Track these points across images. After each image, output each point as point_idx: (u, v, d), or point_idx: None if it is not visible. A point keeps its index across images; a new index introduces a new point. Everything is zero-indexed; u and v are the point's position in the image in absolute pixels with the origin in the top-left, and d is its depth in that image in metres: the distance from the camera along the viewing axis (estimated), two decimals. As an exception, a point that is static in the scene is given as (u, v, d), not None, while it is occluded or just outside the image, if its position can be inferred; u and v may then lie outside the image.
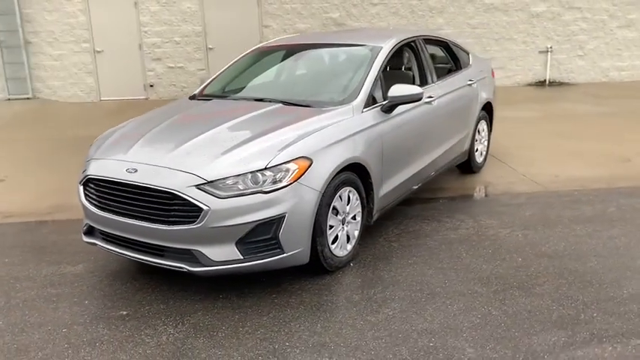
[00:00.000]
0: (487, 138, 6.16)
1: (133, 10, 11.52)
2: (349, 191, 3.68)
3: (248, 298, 3.36)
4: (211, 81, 4.87)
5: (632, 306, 3.17)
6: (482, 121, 5.92)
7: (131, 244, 3.38)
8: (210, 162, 3.23)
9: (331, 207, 3.51)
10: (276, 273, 3.56)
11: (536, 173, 5.91)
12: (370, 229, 4.33)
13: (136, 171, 3.30)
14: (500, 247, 4.03)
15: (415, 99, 4.13)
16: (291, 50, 4.98)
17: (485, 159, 6.16)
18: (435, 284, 3.48)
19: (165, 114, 4.12)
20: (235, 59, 5.15)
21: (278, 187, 3.18)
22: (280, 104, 4.04)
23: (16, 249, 4.22)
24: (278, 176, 3.20)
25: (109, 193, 3.40)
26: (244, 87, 4.65)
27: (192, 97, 4.62)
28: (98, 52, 11.61)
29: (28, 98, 11.64)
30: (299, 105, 3.98)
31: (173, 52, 11.77)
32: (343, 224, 3.69)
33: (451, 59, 5.69)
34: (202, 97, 4.56)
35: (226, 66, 5.08)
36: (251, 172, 3.17)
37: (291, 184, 3.23)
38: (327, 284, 3.51)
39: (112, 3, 11.47)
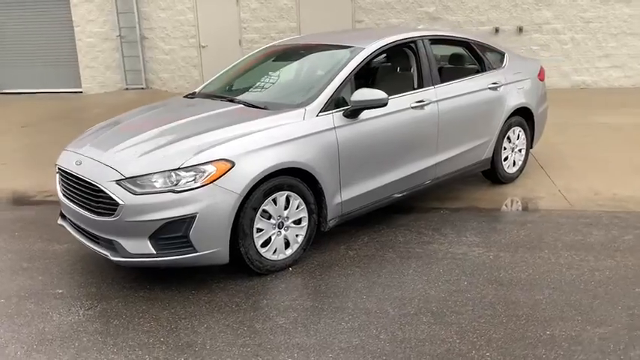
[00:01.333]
0: (525, 147, 5.63)
1: (235, 8, 12.17)
2: (288, 195, 3.66)
3: (169, 291, 3.52)
4: (214, 79, 5.06)
5: (540, 350, 2.79)
6: (517, 128, 5.44)
7: (80, 230, 3.72)
8: (134, 159, 3.44)
9: (260, 210, 3.53)
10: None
11: (576, 189, 5.30)
12: (339, 235, 4.28)
13: (81, 164, 3.62)
14: (456, 268, 3.74)
15: (379, 104, 3.97)
16: (285, 52, 5.02)
17: (521, 170, 5.65)
18: (350, 298, 3.36)
19: (141, 111, 4.41)
20: (238, 60, 5.29)
21: (191, 187, 3.29)
22: (242, 105, 4.12)
23: (31, 225, 4.79)
24: (192, 177, 3.31)
25: (65, 182, 3.77)
26: (231, 87, 4.79)
27: (186, 95, 4.86)
28: (203, 47, 12.45)
29: (142, 88, 12.91)
30: (257, 107, 4.03)
31: (269, 47, 12.22)
32: (280, 228, 3.69)
33: (474, 60, 5.30)
34: (192, 95, 4.78)
35: (229, 66, 5.25)
36: (164, 172, 3.31)
37: (205, 185, 3.31)
38: (250, 287, 3.55)
39: (217, 1, 12.21)
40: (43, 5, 12.99)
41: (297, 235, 3.81)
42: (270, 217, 3.62)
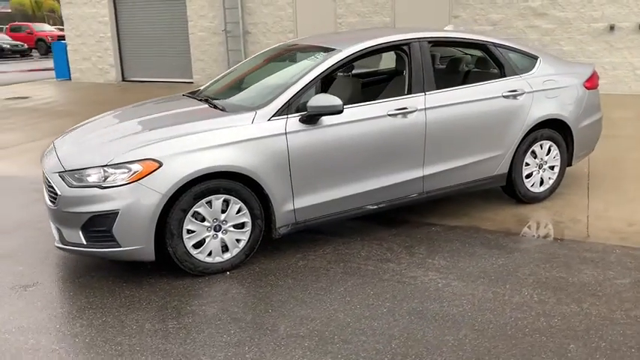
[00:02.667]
0: (560, 164, 4.98)
1: (331, 3, 12.22)
2: (226, 199, 3.65)
3: (103, 279, 3.69)
4: (217, 80, 5.15)
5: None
6: (546, 142, 4.84)
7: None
8: (78, 154, 3.66)
9: (190, 212, 3.56)
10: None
11: (610, 217, 4.60)
12: (304, 243, 4.20)
13: (47, 155, 3.93)
14: (390, 292, 3.46)
15: (332, 111, 3.78)
16: (279, 54, 4.93)
17: (552, 189, 5.02)
18: (254, 311, 3.27)
19: (132, 106, 4.64)
20: (242, 61, 5.31)
21: (115, 184, 3.42)
22: (207, 106, 4.17)
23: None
24: (118, 174, 3.44)
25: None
26: (218, 87, 4.81)
27: (185, 93, 5.01)
28: (300, 41, 12.66)
29: (242, 80, 13.49)
30: (217, 107, 4.05)
31: (363, 43, 12.08)
32: (217, 231, 3.69)
33: (493, 65, 4.79)
34: (188, 94, 4.90)
35: (234, 67, 5.29)
36: (96, 167, 3.48)
37: (130, 183, 3.42)
38: (175, 286, 3.60)
39: (315, -4, 12.35)
40: (163, 1, 14.11)
41: (238, 240, 3.77)
42: (204, 219, 3.63)
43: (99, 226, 3.47)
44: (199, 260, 3.67)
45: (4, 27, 36.22)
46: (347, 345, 2.90)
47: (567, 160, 5.08)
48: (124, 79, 15.07)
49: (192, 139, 3.60)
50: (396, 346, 2.88)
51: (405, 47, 4.36)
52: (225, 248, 3.76)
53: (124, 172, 3.44)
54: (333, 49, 4.23)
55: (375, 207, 4.24)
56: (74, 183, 3.50)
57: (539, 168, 4.91)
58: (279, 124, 3.78)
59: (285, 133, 3.77)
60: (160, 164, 3.47)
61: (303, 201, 3.90)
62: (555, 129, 4.91)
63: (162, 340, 2.99)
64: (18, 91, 14.08)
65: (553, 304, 3.27)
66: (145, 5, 14.39)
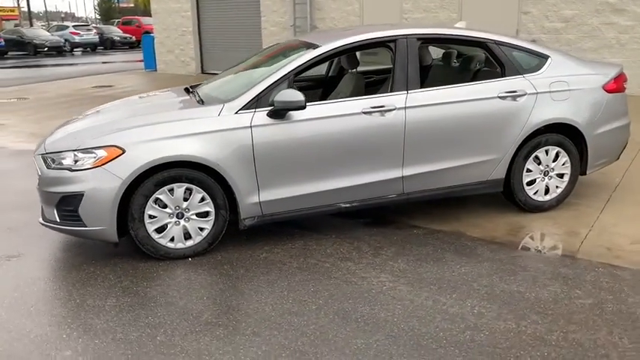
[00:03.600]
0: (570, 173, 4.65)
1: (398, -2, 12.04)
2: (189, 188, 3.79)
3: (83, 258, 3.98)
4: (222, 73, 5.30)
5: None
6: (552, 147, 4.53)
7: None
8: (59, 139, 3.95)
9: (152, 198, 3.75)
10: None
11: (616, 232, 4.25)
12: (276, 236, 4.27)
13: (46, 137, 4.28)
14: (327, 291, 3.43)
15: (295, 106, 3.80)
16: (278, 50, 4.96)
17: (560, 199, 4.70)
18: (191, 298, 3.39)
19: (135, 97, 4.91)
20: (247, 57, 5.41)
21: (82, 168, 3.68)
22: (189, 97, 4.33)
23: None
24: (86, 158, 3.69)
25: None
26: (215, 82, 4.92)
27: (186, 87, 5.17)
28: (365, 36, 12.60)
29: (309, 75, 13.67)
30: (197, 100, 4.20)
31: (428, 39, 11.80)
32: (180, 218, 3.85)
33: (494, 64, 4.54)
34: (189, 87, 5.06)
35: (240, 61, 5.41)
36: (68, 151, 3.75)
37: (95, 167, 3.66)
38: (140, 269, 3.79)
39: (382, -9, 12.24)
40: (239, -3, 14.60)
41: (201, 229, 3.90)
42: (165, 206, 3.79)
43: (68, 205, 3.73)
44: (161, 245, 3.84)
45: (118, 20, 39.12)
46: (255, 337, 2.93)
47: (581, 168, 4.71)
48: (203, 72, 15.79)
49: (158, 129, 3.77)
50: (302, 343, 2.87)
51: (391, 44, 4.26)
52: (188, 235, 3.89)
53: (91, 157, 3.68)
54: (314, 45, 4.22)
55: (348, 205, 4.20)
56: (52, 165, 3.79)
57: (544, 175, 4.60)
58: (246, 118, 3.85)
59: (251, 127, 3.83)
60: (123, 151, 3.66)
61: (269, 194, 3.95)
62: (566, 134, 4.56)
63: (94, 315, 3.19)
64: (106, 80, 15.22)
65: (490, 318, 3.09)
66: (222, 3, 14.96)
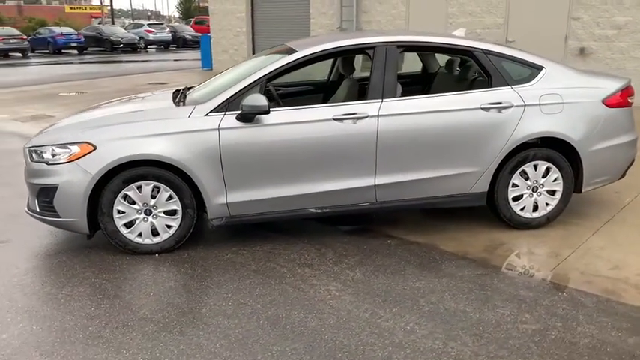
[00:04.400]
0: (562, 190, 4.43)
1: (444, 2, 11.82)
2: (157, 186, 3.93)
3: (58, 248, 4.21)
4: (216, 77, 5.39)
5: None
6: (542, 162, 4.34)
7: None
8: (44, 134, 4.20)
9: (120, 194, 3.91)
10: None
11: (599, 256, 4.01)
12: (251, 237, 4.34)
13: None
14: (272, 295, 3.46)
15: (258, 111, 3.85)
16: (271, 54, 5.00)
17: (551, 217, 4.48)
18: (140, 293, 3.51)
19: (131, 97, 5.12)
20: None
21: (57, 162, 3.90)
22: (172, 99, 4.46)
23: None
24: (62, 154, 3.90)
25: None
26: (207, 84, 5.02)
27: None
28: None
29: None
30: (178, 101, 4.32)
31: (473, 44, 11.50)
32: (148, 215, 4.00)
33: (482, 73, 4.40)
34: (182, 89, 5.20)
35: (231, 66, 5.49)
36: (48, 146, 3.98)
37: (69, 162, 3.87)
38: (107, 261, 3.97)
39: (429, -6, 12.04)
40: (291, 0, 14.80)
41: (169, 226, 4.03)
42: (134, 202, 3.95)
43: (45, 197, 3.96)
44: (129, 239, 4.00)
45: (192, 19, 40.56)
46: (179, 336, 3.01)
47: (576, 186, 4.47)
48: (254, 71, 16.08)
49: (129, 127, 3.93)
50: (220, 345, 2.92)
51: (370, 51, 4.21)
52: (156, 232, 4.03)
53: (66, 152, 3.89)
54: (293, 51, 4.25)
55: (319, 211, 4.19)
56: (35, 158, 4.04)
57: (533, 191, 4.40)
58: (215, 120, 3.94)
59: (219, 129, 3.91)
60: (95, 148, 3.85)
61: (237, 196, 4.02)
62: (559, 150, 4.35)
63: (44, 302, 3.38)
64: (163, 77, 15.86)
65: (420, 336, 3.01)
66: (277, 2, 15.21)
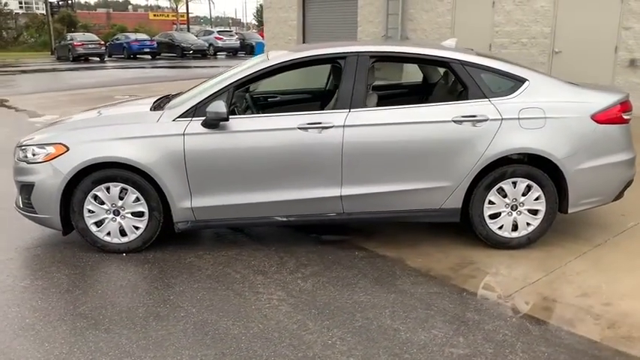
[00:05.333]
0: (545, 209, 4.19)
1: (490, 10, 11.50)
2: (123, 188, 4.08)
3: (37, 243, 4.45)
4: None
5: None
6: (521, 180, 4.13)
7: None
8: (32, 134, 4.45)
9: (90, 194, 4.09)
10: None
11: (571, 281, 3.77)
12: (218, 241, 4.43)
13: None
14: (211, 300, 3.49)
15: (218, 118, 3.91)
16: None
17: (532, 237, 4.25)
18: (93, 292, 3.64)
19: (123, 101, 5.34)
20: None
21: (35, 161, 4.13)
22: (153, 104, 4.61)
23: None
24: (40, 153, 4.13)
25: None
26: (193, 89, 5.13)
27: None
28: (455, 49, 12.18)
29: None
30: (154, 106, 4.46)
31: (518, 54, 11.14)
32: (116, 215, 4.16)
33: (460, 85, 4.25)
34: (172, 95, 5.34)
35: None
36: (28, 146, 4.22)
37: (45, 162, 4.09)
38: (78, 257, 4.14)
39: (475, 3, 11.75)
40: (339, 7, 14.87)
41: (137, 227, 4.17)
42: (103, 202, 4.12)
43: (25, 194, 4.20)
44: (98, 238, 4.17)
45: (261, 27, 41.51)
46: (102, 334, 3.10)
47: (561, 206, 4.22)
48: (304, 78, 16.27)
49: (101, 130, 4.11)
50: (136, 346, 2.98)
51: (341, 61, 4.17)
52: (124, 232, 4.17)
53: (43, 152, 4.11)
54: (265, 59, 4.28)
55: (285, 219, 4.19)
56: (20, 156, 4.29)
57: (512, 209, 4.19)
58: (181, 126, 4.03)
59: (184, 135, 4.01)
60: (68, 149, 4.04)
61: (202, 201, 4.09)
62: (542, 167, 4.13)
63: (0, 293, 3.58)
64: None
65: (337, 351, 2.94)
66: (326, 11, 15.33)
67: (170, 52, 32.32)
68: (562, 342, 3.04)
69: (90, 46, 29.12)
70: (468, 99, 4.12)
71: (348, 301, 3.49)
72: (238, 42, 34.49)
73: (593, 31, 9.87)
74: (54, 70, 24.29)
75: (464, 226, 4.31)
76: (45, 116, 10.48)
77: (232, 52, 34.36)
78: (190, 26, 52.38)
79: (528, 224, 4.21)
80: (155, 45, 31.39)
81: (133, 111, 4.53)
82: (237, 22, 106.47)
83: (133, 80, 17.82)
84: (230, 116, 4.03)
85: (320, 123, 4.01)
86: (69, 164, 4.00)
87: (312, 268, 3.97)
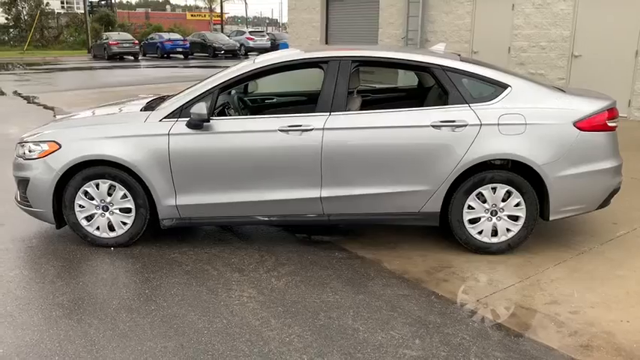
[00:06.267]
0: (525, 216, 4.19)
1: (509, 13, 11.39)
2: (112, 184, 4.26)
3: (34, 236, 4.66)
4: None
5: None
6: (501, 186, 4.13)
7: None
8: (32, 130, 4.68)
9: (81, 190, 4.29)
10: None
11: (545, 290, 3.77)
12: (203, 239, 4.56)
13: None
14: (182, 296, 3.62)
15: (200, 119, 4.05)
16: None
17: (513, 243, 4.24)
18: (72, 283, 3.82)
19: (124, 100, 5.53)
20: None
21: (31, 157, 4.34)
22: (147, 103, 4.78)
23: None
24: (34, 149, 4.34)
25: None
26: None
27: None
28: (474, 52, 12.11)
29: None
30: (146, 106, 4.63)
31: (537, 58, 11.02)
32: (105, 211, 4.34)
33: (441, 90, 4.28)
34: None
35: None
36: (27, 142, 4.44)
37: (39, 158, 4.30)
38: (68, 250, 4.34)
39: (494, 5, 11.65)
40: (361, 9, 14.92)
41: (124, 223, 4.34)
42: (92, 198, 4.30)
43: (22, 188, 4.42)
44: (88, 232, 4.36)
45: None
46: (74, 324, 3.26)
47: (543, 213, 4.21)
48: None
49: (92, 129, 4.29)
50: (103, 337, 3.12)
51: (323, 65, 4.25)
52: (112, 227, 4.35)
53: (39, 149, 4.32)
54: (252, 61, 4.40)
55: (266, 219, 4.30)
56: (19, 152, 4.52)
57: (492, 215, 4.20)
58: (166, 126, 4.18)
59: (168, 134, 4.16)
60: (60, 146, 4.24)
61: (186, 199, 4.24)
62: (523, 173, 4.13)
63: (-11, 281, 3.79)
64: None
65: (292, 349, 3.03)
66: (349, 12, 15.39)
67: (202, 51, 32.86)
68: (518, 348, 3.06)
69: (124, 45, 29.85)
70: (448, 104, 4.14)
71: (315, 300, 3.57)
72: (269, 42, 34.81)
73: (614, 35, 9.68)
74: (89, 68, 25.02)
75: (445, 231, 4.33)
76: (71, 114, 10.85)
77: (263, 52, 34.66)
78: (225, 26, 53.09)
79: (508, 230, 4.20)
80: (187, 45, 31.97)
81: (124, 111, 4.71)
82: (273, 23, 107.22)
83: (162, 79, 18.22)
84: (215, 117, 4.16)
85: (300, 125, 4.10)
86: (61, 161, 4.19)
87: (289, 267, 4.06)
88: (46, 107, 12.06)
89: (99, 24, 39.13)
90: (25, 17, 39.15)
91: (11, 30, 40.09)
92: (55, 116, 10.39)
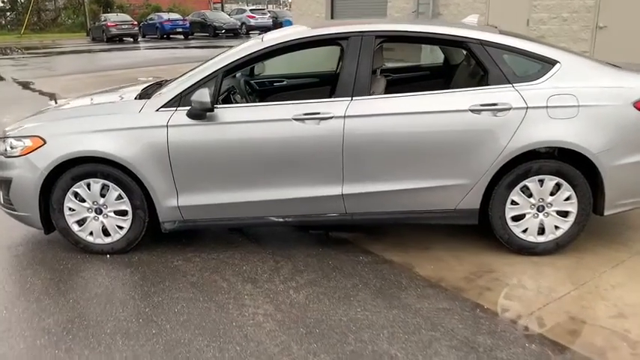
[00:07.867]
0: (577, 211, 3.66)
1: (528, -18, 10.68)
2: (105, 184, 3.75)
3: (21, 241, 4.19)
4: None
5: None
6: (549, 177, 3.60)
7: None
8: (12, 124, 4.15)
9: (70, 191, 3.77)
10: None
11: (608, 298, 3.26)
12: (210, 244, 4.06)
13: None
14: (179, 307, 3.13)
15: (202, 108, 3.51)
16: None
17: (562, 242, 3.73)
18: (65, 294, 3.35)
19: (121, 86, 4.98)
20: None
21: (13, 154, 3.82)
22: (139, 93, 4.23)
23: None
24: (16, 146, 3.82)
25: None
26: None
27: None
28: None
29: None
30: (141, 94, 4.09)
31: (558, 30, 10.35)
32: (99, 214, 3.84)
33: (480, 69, 3.72)
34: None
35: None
36: (7, 138, 3.90)
37: (22, 155, 3.78)
38: (58, 258, 3.86)
39: (511, -25, 10.95)
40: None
41: (120, 227, 3.84)
42: (84, 200, 3.79)
43: (5, 189, 3.91)
44: (80, 238, 3.86)
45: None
46: (62, 354, 2.78)
47: (596, 207, 3.68)
48: (333, 57, 15.71)
49: (79, 122, 3.76)
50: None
51: (343, 42, 3.69)
52: (107, 232, 3.85)
53: (21, 146, 3.79)
54: (260, 41, 3.85)
55: (281, 220, 3.79)
56: (1, 148, 3.97)
57: (539, 211, 3.67)
58: (164, 116, 3.65)
59: (167, 126, 3.62)
60: (45, 142, 3.72)
61: (190, 199, 3.73)
62: (574, 162, 3.59)
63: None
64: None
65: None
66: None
67: (202, 31, 32.03)
68: (591, 378, 2.55)
69: (123, 26, 29.07)
70: (488, 85, 3.59)
71: (342, 318, 3.07)
72: (271, 20, 33.91)
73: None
74: (88, 51, 24.32)
75: (482, 229, 3.81)
76: (67, 99, 10.31)
77: (265, 31, 33.84)
78: (225, 5, 51.92)
79: (557, 228, 3.68)
80: (188, 25, 31.13)
81: (116, 100, 4.17)
82: (274, 0, 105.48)
83: (162, 61, 17.60)
84: (220, 105, 3.63)
85: (318, 113, 3.56)
86: (46, 159, 3.68)
87: (308, 275, 3.56)
88: (42, 93, 11.52)
89: (97, 5, 38.19)
90: (22, 0, 38.30)
91: (8, 13, 39.26)
92: (56, 102, 9.85)
